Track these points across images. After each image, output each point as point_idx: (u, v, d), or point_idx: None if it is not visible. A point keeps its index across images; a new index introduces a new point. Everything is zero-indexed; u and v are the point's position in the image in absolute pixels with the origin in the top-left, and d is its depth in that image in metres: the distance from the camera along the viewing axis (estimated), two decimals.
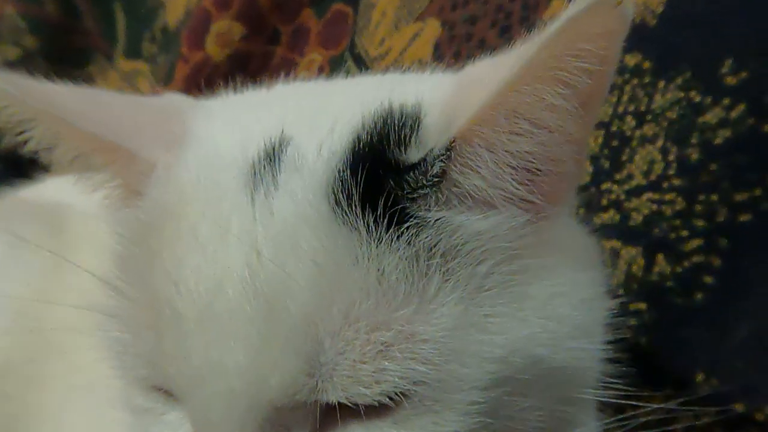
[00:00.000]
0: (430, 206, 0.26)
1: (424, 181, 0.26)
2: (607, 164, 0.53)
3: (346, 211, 0.25)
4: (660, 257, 0.50)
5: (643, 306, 0.50)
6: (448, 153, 0.26)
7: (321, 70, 0.81)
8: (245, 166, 0.27)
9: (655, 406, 0.41)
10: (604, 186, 0.53)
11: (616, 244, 0.52)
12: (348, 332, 0.25)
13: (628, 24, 0.24)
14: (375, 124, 0.27)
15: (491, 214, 0.27)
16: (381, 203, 0.25)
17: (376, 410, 0.26)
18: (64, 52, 1.03)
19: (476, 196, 0.27)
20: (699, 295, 0.47)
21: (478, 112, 0.26)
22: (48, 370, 0.45)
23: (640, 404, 0.34)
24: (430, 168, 0.26)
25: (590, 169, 0.53)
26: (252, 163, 0.27)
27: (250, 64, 0.86)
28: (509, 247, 0.27)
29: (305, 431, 0.26)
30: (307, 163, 0.27)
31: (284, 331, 0.24)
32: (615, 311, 0.32)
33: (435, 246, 0.26)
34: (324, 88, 0.35)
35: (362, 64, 0.75)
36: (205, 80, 0.84)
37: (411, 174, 0.26)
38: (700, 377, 0.46)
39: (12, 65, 0.96)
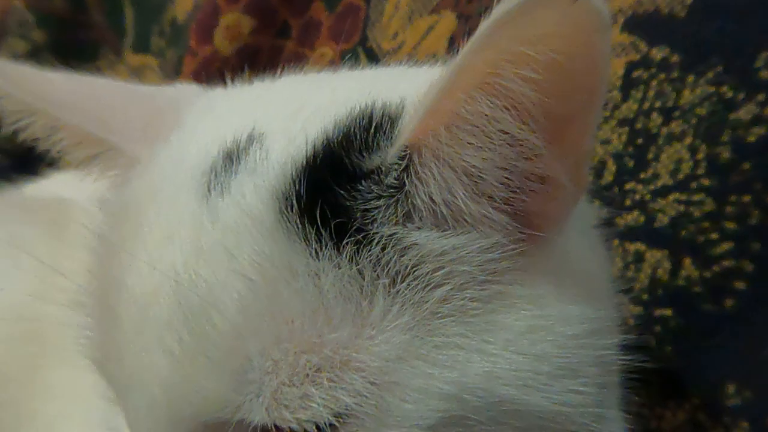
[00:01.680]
0: (382, 220, 0.24)
1: (378, 192, 0.24)
2: (631, 163, 0.51)
3: (289, 221, 0.23)
4: (687, 261, 0.48)
5: (668, 312, 0.48)
6: (402, 163, 0.24)
7: (332, 63, 0.79)
8: (206, 165, 0.26)
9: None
10: (628, 186, 0.50)
11: (640, 246, 0.50)
12: (276, 352, 0.23)
13: (598, 20, 0.21)
14: (347, 125, 0.25)
15: (452, 234, 0.25)
16: (325, 214, 0.23)
17: None
18: (72, 46, 1.02)
19: (434, 211, 0.24)
20: (730, 302, 0.45)
21: (422, 118, 0.23)
22: (46, 375, 0.43)
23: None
24: (384, 177, 0.24)
25: (613, 168, 0.51)
26: (212, 162, 0.26)
27: (260, 59, 0.84)
28: (476, 271, 0.25)
29: None
30: (265, 166, 0.25)
31: (209, 345, 0.23)
32: (623, 345, 0.29)
33: (383, 265, 0.24)
34: (317, 82, 0.33)
35: (374, 59, 0.73)
36: (213, 74, 0.83)
37: (364, 183, 0.24)
38: (731, 388, 0.44)
39: (20, 59, 0.95)
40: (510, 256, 0.25)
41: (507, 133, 0.23)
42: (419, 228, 0.24)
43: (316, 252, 0.23)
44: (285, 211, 0.23)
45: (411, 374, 0.23)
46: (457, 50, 0.22)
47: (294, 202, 0.23)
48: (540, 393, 0.25)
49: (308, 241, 0.23)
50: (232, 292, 0.23)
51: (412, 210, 0.24)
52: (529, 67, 0.22)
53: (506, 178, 0.24)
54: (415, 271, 0.24)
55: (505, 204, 0.25)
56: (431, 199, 0.24)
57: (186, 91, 0.33)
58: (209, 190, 0.25)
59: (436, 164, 0.24)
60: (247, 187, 0.25)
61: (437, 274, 0.24)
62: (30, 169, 0.57)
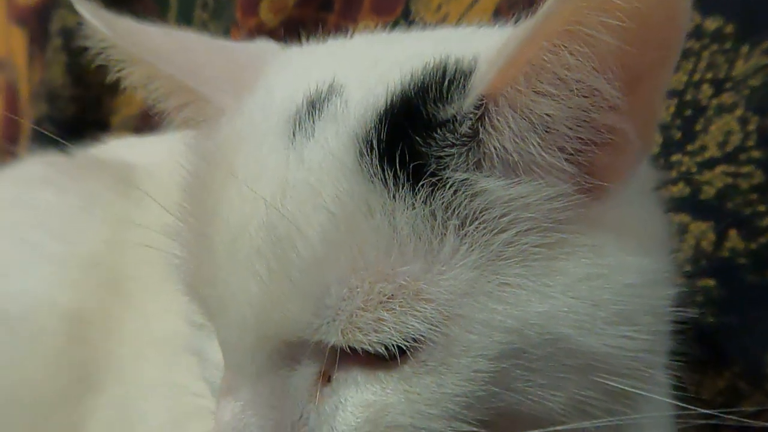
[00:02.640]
0: (455, 166, 0.25)
1: (452, 140, 0.25)
2: (678, 135, 0.51)
3: (368, 164, 0.25)
4: (733, 233, 0.48)
5: (711, 283, 0.48)
6: (477, 112, 0.25)
7: None
8: (291, 112, 0.28)
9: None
10: (675, 158, 0.50)
11: (684, 218, 0.50)
12: (353, 280, 0.25)
13: None
14: (423, 78, 0.27)
15: (521, 181, 0.26)
16: (404, 159, 0.25)
17: (384, 364, 0.26)
18: None
19: (505, 159, 0.26)
20: None
21: (501, 68, 0.25)
22: (123, 323, 0.47)
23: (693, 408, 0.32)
24: (459, 126, 0.25)
25: (660, 139, 0.51)
26: (296, 109, 0.28)
27: (303, 32, 0.86)
28: (541, 218, 0.26)
29: (313, 369, 0.27)
30: (346, 113, 0.27)
31: (292, 271, 0.25)
32: (677, 300, 0.29)
33: (454, 207, 0.25)
34: (391, 40, 0.34)
35: None
36: None
37: (439, 131, 0.25)
38: None
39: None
40: (574, 206, 0.26)
41: (585, 82, 0.24)
42: (489, 175, 0.26)
43: (393, 193, 0.25)
44: (365, 155, 0.25)
45: (476, 308, 0.25)
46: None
47: (374, 145, 0.25)
48: (595, 336, 0.26)
49: (386, 182, 0.25)
50: (315, 224, 0.25)
51: (483, 158, 0.26)
52: (612, 15, 0.22)
53: (578, 129, 0.26)
54: (483, 215, 0.25)
55: (574, 155, 0.26)
56: (503, 147, 0.25)
57: (266, 47, 0.35)
58: (294, 135, 0.27)
59: (512, 113, 0.25)
60: (330, 132, 0.26)
61: (503, 219, 0.25)
62: (78, 140, 0.60)
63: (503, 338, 0.25)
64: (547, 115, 0.25)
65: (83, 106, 0.90)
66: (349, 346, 0.25)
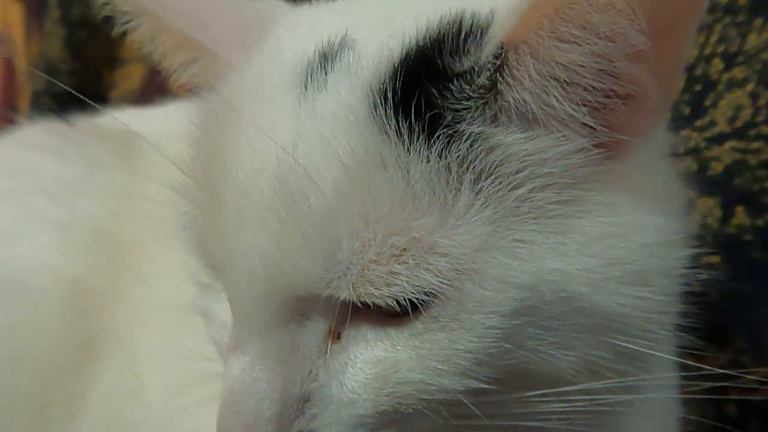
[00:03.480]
0: (471, 119, 0.25)
1: (469, 92, 0.25)
2: (687, 110, 0.50)
3: (382, 116, 0.25)
4: (739, 209, 0.48)
5: (716, 260, 0.48)
6: (496, 62, 0.25)
7: None
8: (302, 65, 0.28)
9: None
10: (683, 133, 0.50)
11: (691, 194, 0.50)
12: (366, 233, 0.24)
13: None
14: (438, 31, 0.26)
15: (538, 135, 0.25)
16: (419, 110, 0.25)
17: (395, 321, 0.26)
18: None
19: (523, 112, 0.25)
20: None
21: (525, 11, 0.24)
22: (125, 290, 0.46)
23: (705, 367, 0.32)
24: (476, 78, 0.25)
25: (668, 115, 0.51)
26: (308, 62, 0.27)
27: None
28: (558, 174, 0.25)
29: (323, 325, 0.26)
30: (358, 66, 0.26)
31: (304, 224, 0.25)
32: (690, 262, 0.29)
33: (470, 161, 0.25)
34: None
35: None
36: None
37: (456, 83, 0.25)
38: None
39: None
40: (592, 162, 0.26)
41: (613, 27, 0.24)
42: (506, 129, 0.25)
43: (407, 146, 0.24)
44: (378, 106, 0.25)
45: (490, 264, 0.25)
46: None
47: (388, 97, 0.25)
48: (609, 295, 0.26)
49: (400, 135, 0.24)
50: (327, 176, 0.24)
51: (500, 111, 0.25)
52: None
53: (601, 79, 0.25)
54: (499, 170, 0.25)
55: (595, 108, 0.26)
56: (522, 99, 0.25)
57: (275, 5, 0.34)
58: (306, 87, 0.26)
59: (533, 62, 0.24)
60: (343, 84, 0.26)
61: (520, 174, 0.25)
62: (97, 93, 0.59)
63: (517, 294, 0.25)
64: (570, 63, 0.24)
65: (82, 80, 0.89)
66: (360, 301, 0.25)
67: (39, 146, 0.51)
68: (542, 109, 0.25)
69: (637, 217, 0.27)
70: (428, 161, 0.25)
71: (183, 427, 0.40)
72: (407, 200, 0.24)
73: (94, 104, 0.57)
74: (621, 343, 0.26)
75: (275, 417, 0.26)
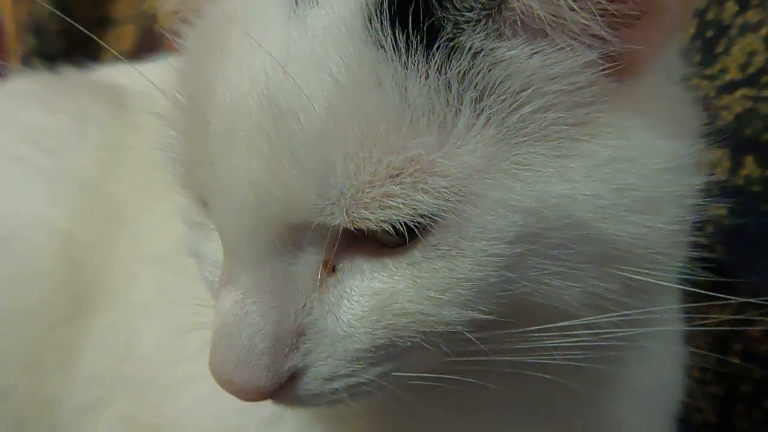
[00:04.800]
0: (474, 31, 0.23)
1: (472, 2, 0.23)
2: (697, 58, 0.49)
3: (377, 29, 0.23)
4: (749, 159, 0.46)
5: (722, 211, 0.47)
6: None
7: None
8: None
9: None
10: (692, 82, 0.48)
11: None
12: (360, 154, 0.23)
13: None
14: None
15: (545, 49, 0.24)
16: (417, 20, 0.23)
17: (392, 251, 0.24)
18: None
19: (530, 23, 0.24)
20: None
21: None
22: (116, 244, 0.45)
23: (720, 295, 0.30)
24: None
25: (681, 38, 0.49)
26: None
27: None
28: (565, 93, 0.24)
29: (316, 257, 0.25)
30: None
31: (295, 146, 0.23)
32: (702, 189, 0.28)
33: (471, 78, 0.23)
34: None
35: None
36: None
37: None
38: None
39: None
40: (602, 80, 0.25)
41: None
42: (511, 42, 0.24)
43: (404, 61, 0.23)
44: (374, 18, 0.23)
45: (492, 187, 0.23)
46: None
47: (384, 8, 0.23)
48: (616, 224, 0.25)
49: (397, 49, 0.23)
50: (319, 94, 0.23)
51: (505, 23, 0.24)
52: None
53: None
54: (502, 87, 0.24)
55: (607, 18, 0.24)
56: (530, 7, 0.23)
57: None
58: (297, 2, 0.25)
59: None
60: None
61: (525, 92, 0.24)
62: (87, 54, 0.58)
63: (520, 219, 0.24)
64: None
65: (72, 42, 0.87)
66: (354, 227, 0.24)
67: (28, 97, 0.49)
68: (551, 18, 0.24)
69: (647, 140, 0.25)
70: (427, 77, 0.23)
71: (177, 377, 0.39)
72: (404, 119, 0.23)
73: (85, 62, 0.56)
74: (627, 275, 0.25)
75: (268, 350, 0.25)
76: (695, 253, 0.30)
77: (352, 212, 0.23)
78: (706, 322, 0.32)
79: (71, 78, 0.53)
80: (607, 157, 0.25)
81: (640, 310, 0.26)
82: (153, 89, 0.40)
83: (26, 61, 0.87)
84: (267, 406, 0.36)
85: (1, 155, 0.46)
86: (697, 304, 0.32)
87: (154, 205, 0.45)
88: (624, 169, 0.25)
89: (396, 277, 0.25)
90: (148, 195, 0.46)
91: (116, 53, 0.40)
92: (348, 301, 0.25)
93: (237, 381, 0.25)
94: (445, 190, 0.23)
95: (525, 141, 0.24)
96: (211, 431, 0.37)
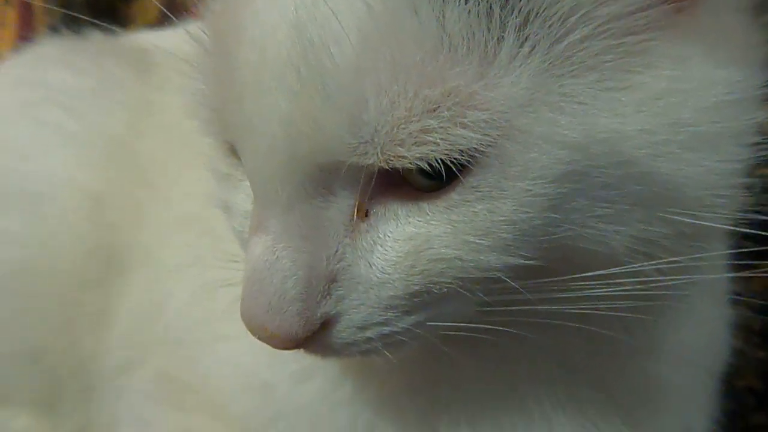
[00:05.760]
0: None
1: None
2: None
3: None
4: None
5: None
6: None
7: None
8: None
9: None
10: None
11: None
12: (395, 87, 0.22)
13: None
14: None
15: None
16: None
17: (428, 195, 0.23)
18: None
19: None
20: None
21: None
22: (145, 207, 0.45)
23: None
24: None
25: None
26: None
27: None
28: (617, 17, 0.22)
29: (348, 201, 0.24)
30: None
31: (326, 80, 0.22)
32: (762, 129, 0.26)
33: (515, 1, 0.22)
34: None
35: None
36: None
37: None
38: None
39: None
40: (657, 4, 0.23)
41: None
42: None
43: None
44: None
45: (537, 121, 0.22)
46: None
47: None
48: (670, 162, 0.23)
49: None
50: (350, 23, 0.22)
51: None
52: None
53: None
54: (549, 11, 0.22)
55: None
56: None
57: None
58: None
59: None
60: None
61: (574, 16, 0.22)
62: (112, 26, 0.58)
63: (566, 156, 0.22)
64: None
65: (97, 15, 0.87)
66: (389, 167, 0.23)
67: (54, 59, 0.49)
68: None
69: (706, 70, 0.23)
70: (466, 2, 0.22)
71: (208, 334, 0.39)
72: (442, 48, 0.22)
73: (112, 29, 0.56)
74: (679, 218, 0.24)
75: (300, 296, 0.24)
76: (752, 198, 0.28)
77: (387, 150, 0.22)
78: (757, 271, 0.30)
79: (96, 42, 0.52)
80: (662, 90, 0.23)
81: (689, 257, 0.25)
82: (177, 51, 0.40)
83: (53, 34, 0.87)
84: (297, 362, 0.36)
85: (30, 118, 0.46)
86: (750, 249, 0.30)
87: (182, 168, 0.45)
88: (680, 103, 0.23)
89: (432, 222, 0.23)
90: (175, 156, 0.45)
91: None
92: (381, 246, 0.24)
93: (269, 327, 0.24)
94: (486, 125, 0.22)
95: (572, 71, 0.22)
96: (242, 387, 0.37)
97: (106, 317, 0.45)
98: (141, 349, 0.43)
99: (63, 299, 0.45)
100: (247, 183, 0.28)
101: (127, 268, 0.45)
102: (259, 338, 0.25)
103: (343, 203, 0.24)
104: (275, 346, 0.25)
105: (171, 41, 0.50)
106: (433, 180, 0.23)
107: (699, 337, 0.34)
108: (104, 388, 0.45)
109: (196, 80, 0.27)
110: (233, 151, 0.28)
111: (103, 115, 0.46)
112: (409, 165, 0.22)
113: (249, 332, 0.25)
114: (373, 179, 0.24)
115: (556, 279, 0.24)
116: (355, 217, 0.24)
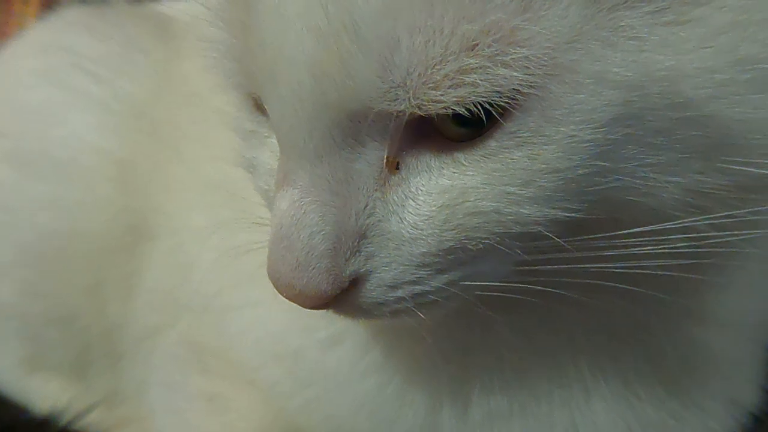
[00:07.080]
0: None
1: None
2: None
3: None
4: None
5: None
6: None
7: None
8: None
9: None
10: None
11: None
12: (430, 23, 0.20)
13: None
14: None
15: None
16: None
17: (463, 145, 0.22)
18: None
19: None
20: None
21: None
22: (169, 172, 0.45)
23: None
24: None
25: None
26: None
27: None
28: None
29: (379, 153, 0.23)
30: None
31: (355, 18, 0.21)
32: None
33: None
34: None
35: None
36: None
37: None
38: None
39: None
40: None
41: None
42: None
43: None
44: None
45: (586, 58, 0.20)
46: None
47: None
48: (734, 104, 0.21)
49: None
50: None
51: None
52: None
53: None
54: None
55: None
56: None
57: None
58: None
59: None
60: None
61: None
62: None
63: (618, 97, 0.20)
64: None
65: None
66: (423, 114, 0.21)
67: (77, 25, 0.49)
68: None
69: None
70: None
71: (235, 301, 0.39)
72: None
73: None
74: (740, 168, 0.22)
75: (328, 252, 0.23)
76: None
77: (421, 95, 0.21)
78: None
79: (120, 9, 0.52)
80: (726, 23, 0.21)
81: (747, 210, 0.23)
82: (196, 17, 0.38)
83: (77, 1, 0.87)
84: (326, 328, 0.35)
85: (54, 83, 0.46)
86: None
87: (206, 133, 0.44)
88: (747, 38, 0.21)
89: (468, 173, 0.22)
90: (198, 121, 0.45)
91: None
92: (413, 200, 0.23)
93: (297, 284, 0.23)
94: (529, 63, 0.20)
95: (626, 2, 0.20)
96: (269, 354, 0.36)
97: (132, 282, 0.45)
98: (167, 314, 0.43)
99: (91, 264, 0.45)
100: (273, 140, 0.27)
101: (152, 233, 0.45)
102: (287, 297, 0.24)
103: (373, 155, 0.23)
104: (303, 305, 0.24)
105: (194, 9, 0.49)
106: (468, 127, 0.21)
107: (750, 304, 0.32)
108: (132, 354, 0.45)
109: (216, 26, 0.26)
110: (258, 106, 0.27)
111: (127, 81, 0.46)
112: (445, 110, 0.21)
113: (276, 291, 0.25)
114: (404, 129, 0.22)
115: (600, 235, 0.23)
116: (385, 169, 0.23)
